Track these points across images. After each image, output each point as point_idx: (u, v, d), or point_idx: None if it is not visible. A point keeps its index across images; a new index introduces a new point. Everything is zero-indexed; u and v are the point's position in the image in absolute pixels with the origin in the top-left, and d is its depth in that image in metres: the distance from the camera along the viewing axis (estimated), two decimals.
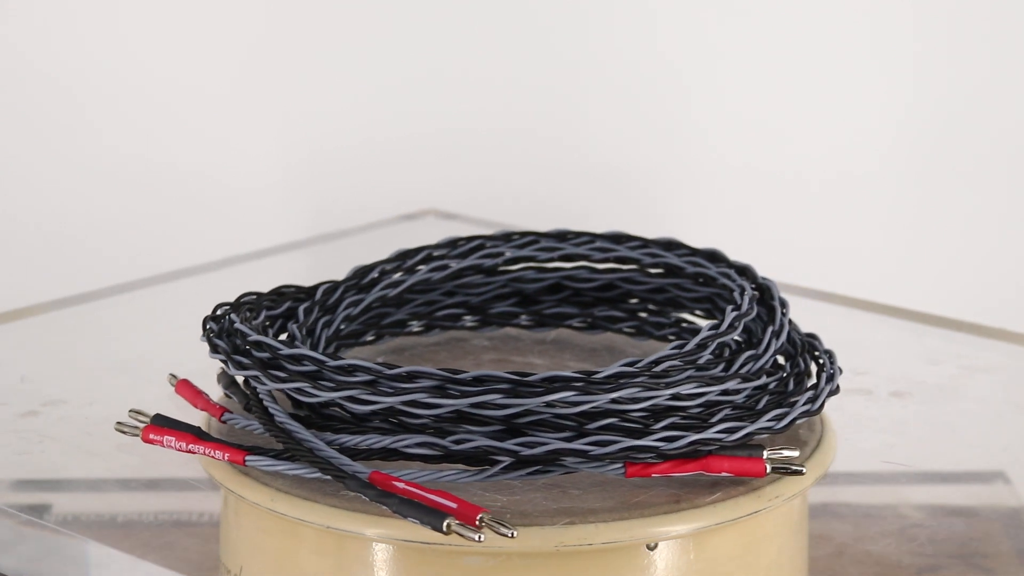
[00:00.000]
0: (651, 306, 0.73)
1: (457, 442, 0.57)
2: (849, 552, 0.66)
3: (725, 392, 0.60)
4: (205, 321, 0.64)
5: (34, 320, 0.85)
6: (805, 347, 0.65)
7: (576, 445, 0.57)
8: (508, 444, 0.57)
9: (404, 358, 0.71)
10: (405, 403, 0.57)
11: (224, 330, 0.64)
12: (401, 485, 0.56)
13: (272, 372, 0.60)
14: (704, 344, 0.61)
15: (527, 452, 0.57)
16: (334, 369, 0.59)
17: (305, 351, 0.60)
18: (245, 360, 0.61)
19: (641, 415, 0.58)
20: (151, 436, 0.61)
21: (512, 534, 0.54)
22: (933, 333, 0.87)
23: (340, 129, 1.17)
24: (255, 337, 0.62)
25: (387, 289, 0.71)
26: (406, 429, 0.58)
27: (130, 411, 0.63)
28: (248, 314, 0.65)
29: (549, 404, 0.57)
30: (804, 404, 0.61)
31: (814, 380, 0.64)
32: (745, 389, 0.60)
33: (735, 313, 0.63)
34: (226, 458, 0.59)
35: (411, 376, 0.58)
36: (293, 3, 1.16)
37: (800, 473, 0.59)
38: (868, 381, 0.80)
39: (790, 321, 0.66)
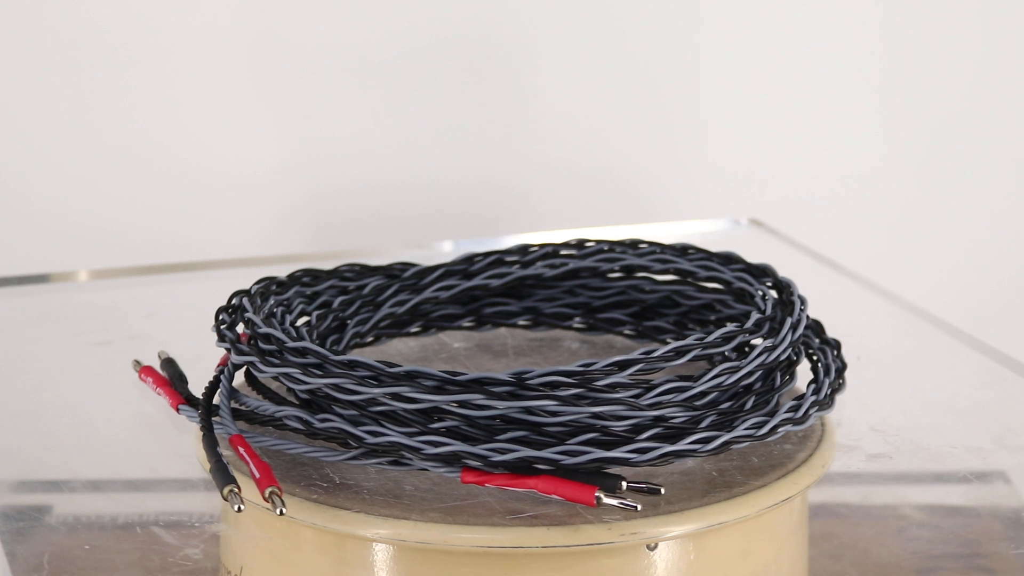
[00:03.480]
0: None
1: (321, 421, 0.59)
2: (849, 552, 0.66)
3: (598, 416, 0.57)
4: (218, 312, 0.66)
5: (200, 273, 0.92)
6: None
7: (412, 441, 0.57)
8: (358, 431, 0.58)
9: (480, 350, 0.73)
10: (282, 375, 0.60)
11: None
12: (241, 450, 0.59)
13: (225, 333, 0.64)
14: (625, 365, 0.59)
15: (371, 440, 0.58)
16: (261, 336, 0.63)
17: (252, 317, 0.63)
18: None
19: (487, 423, 0.57)
20: (142, 376, 0.67)
21: (280, 511, 0.56)
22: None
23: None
24: (254, 317, 0.66)
25: (491, 279, 0.73)
26: (289, 403, 0.61)
27: (159, 352, 0.69)
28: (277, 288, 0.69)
29: (395, 396, 0.58)
30: (694, 443, 0.58)
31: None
32: (634, 418, 0.58)
33: (677, 345, 0.60)
34: (169, 403, 0.65)
35: (303, 351, 0.60)
36: None
37: (634, 509, 0.56)
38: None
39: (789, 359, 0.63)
